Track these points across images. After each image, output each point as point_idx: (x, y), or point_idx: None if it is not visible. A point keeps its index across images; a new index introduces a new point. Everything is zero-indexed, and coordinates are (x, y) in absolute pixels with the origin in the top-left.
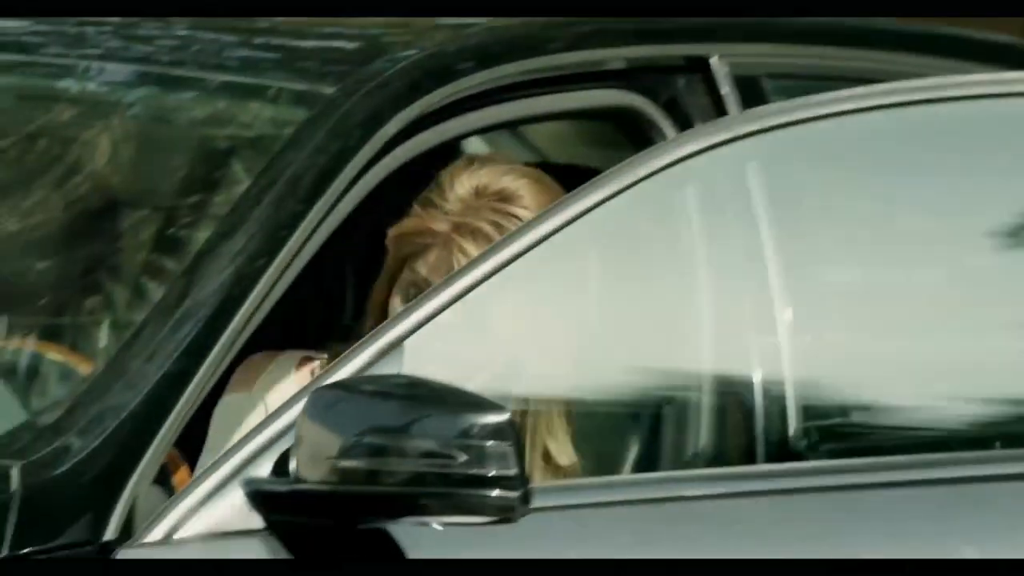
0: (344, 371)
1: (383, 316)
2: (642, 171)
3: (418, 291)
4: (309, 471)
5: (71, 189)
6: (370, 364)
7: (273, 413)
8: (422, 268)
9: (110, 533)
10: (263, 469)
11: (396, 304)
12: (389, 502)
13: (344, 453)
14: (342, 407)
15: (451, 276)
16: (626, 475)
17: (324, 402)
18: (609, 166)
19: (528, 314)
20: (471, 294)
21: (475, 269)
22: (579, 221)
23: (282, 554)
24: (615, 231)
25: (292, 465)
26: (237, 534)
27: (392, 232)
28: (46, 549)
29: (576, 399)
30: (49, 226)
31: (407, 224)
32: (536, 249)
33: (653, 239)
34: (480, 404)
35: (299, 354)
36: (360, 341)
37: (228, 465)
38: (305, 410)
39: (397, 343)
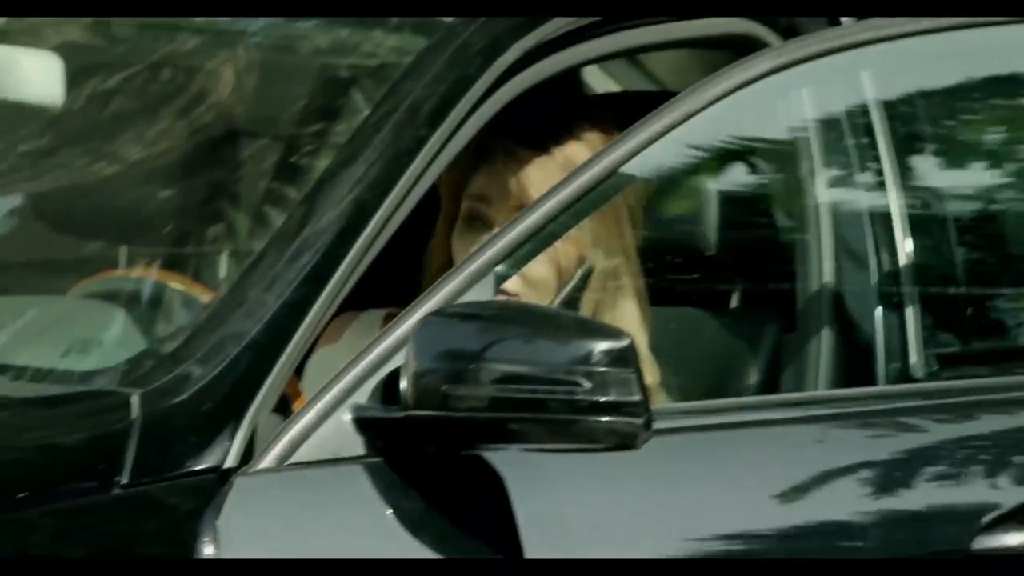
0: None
1: (450, 264)
2: (752, 73)
3: (482, 222)
4: (418, 398)
5: (193, 118)
6: (463, 292)
7: (377, 339)
8: (479, 186)
9: (230, 461)
10: (370, 396)
11: (459, 246)
12: (503, 429)
13: (457, 379)
14: (453, 333)
15: (556, 187)
16: (743, 397)
17: (434, 328)
18: None
19: (627, 226)
20: (569, 210)
21: (575, 182)
22: (688, 123)
23: (391, 480)
24: (725, 134)
25: (402, 391)
26: (347, 460)
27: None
28: (165, 477)
29: (681, 320)
30: (171, 155)
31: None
32: (643, 153)
33: (765, 143)
34: (600, 330)
35: (383, 311)
36: (453, 269)
37: (336, 392)
38: (414, 337)
39: (490, 268)
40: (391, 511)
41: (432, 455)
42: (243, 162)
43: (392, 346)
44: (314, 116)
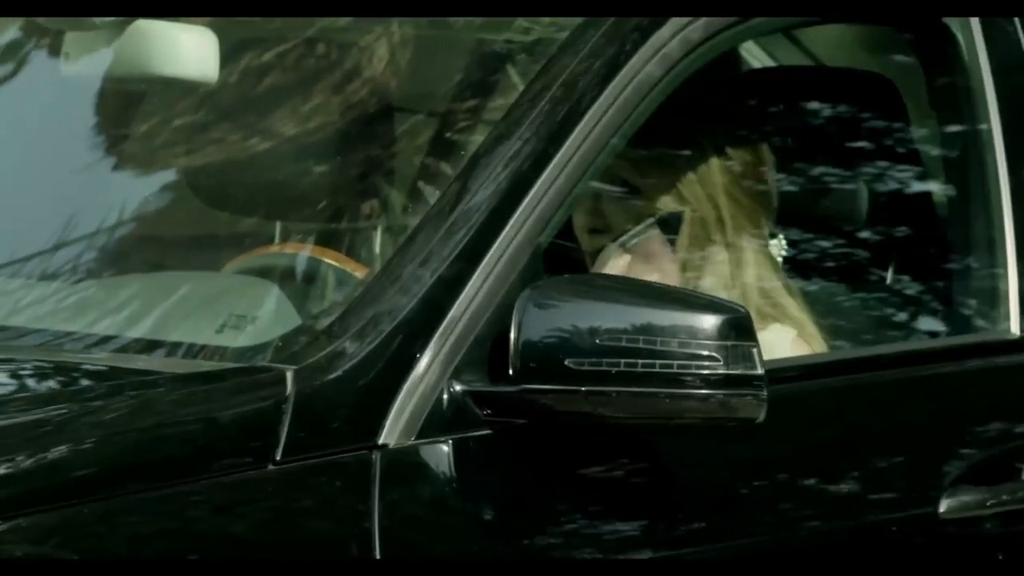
0: None
1: None
2: None
3: None
4: (531, 371)
5: (347, 94)
6: None
7: (464, 309)
8: None
9: (383, 437)
10: (470, 365)
11: None
12: (627, 403)
13: (577, 353)
14: (559, 307)
15: None
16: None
17: (540, 301)
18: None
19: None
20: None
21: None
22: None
23: (513, 453)
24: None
25: (512, 364)
26: (470, 432)
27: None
28: (319, 453)
29: (833, 295)
30: (326, 131)
31: None
32: None
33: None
34: (716, 304)
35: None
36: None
37: (439, 363)
38: (520, 309)
39: None
40: (523, 484)
41: (545, 427)
42: (397, 138)
43: (478, 315)
44: (469, 91)
